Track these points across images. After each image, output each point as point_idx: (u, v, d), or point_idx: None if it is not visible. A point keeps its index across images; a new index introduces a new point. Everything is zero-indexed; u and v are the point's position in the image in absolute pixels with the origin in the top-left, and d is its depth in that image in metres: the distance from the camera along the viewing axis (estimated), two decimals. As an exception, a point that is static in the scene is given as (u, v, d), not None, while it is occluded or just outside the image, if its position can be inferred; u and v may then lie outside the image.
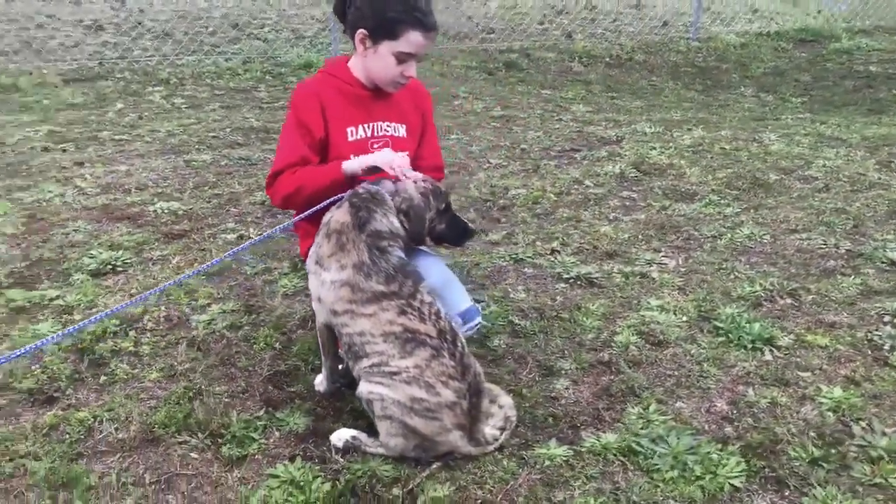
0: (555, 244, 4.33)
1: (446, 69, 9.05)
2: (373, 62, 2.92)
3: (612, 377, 3.10)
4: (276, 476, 2.53)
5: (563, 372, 3.14)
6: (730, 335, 3.36)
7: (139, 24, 10.61)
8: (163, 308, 3.55)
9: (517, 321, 3.50)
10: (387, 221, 2.68)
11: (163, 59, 8.78)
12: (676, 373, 3.13)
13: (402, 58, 2.87)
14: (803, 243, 4.32)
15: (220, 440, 2.71)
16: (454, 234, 2.94)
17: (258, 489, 2.48)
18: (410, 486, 2.50)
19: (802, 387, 3.03)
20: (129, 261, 3.99)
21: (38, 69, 8.14)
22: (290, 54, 8.97)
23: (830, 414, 2.85)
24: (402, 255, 2.67)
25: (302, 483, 2.49)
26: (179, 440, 2.71)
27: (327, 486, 2.48)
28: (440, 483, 2.50)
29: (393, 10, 2.82)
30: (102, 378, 3.05)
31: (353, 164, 2.84)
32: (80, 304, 3.56)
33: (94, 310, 3.50)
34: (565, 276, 3.93)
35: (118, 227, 4.42)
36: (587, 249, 4.27)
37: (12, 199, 4.78)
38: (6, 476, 2.51)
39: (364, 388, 2.57)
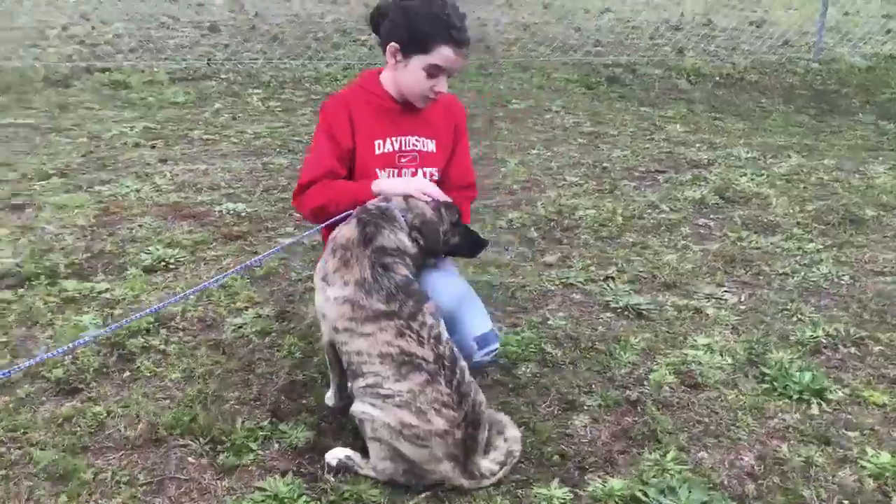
0: (611, 270, 4.14)
1: (545, 81, 8.91)
2: (403, 76, 2.86)
3: (636, 418, 2.92)
4: (263, 490, 2.50)
5: (585, 408, 2.98)
6: (775, 383, 3.11)
7: (253, 27, 10.97)
8: (200, 309, 3.59)
9: (549, 349, 3.35)
10: (394, 238, 2.62)
11: (267, 62, 9.02)
12: (707, 419, 2.92)
13: (432, 72, 2.80)
14: (886, 287, 3.98)
15: (219, 447, 2.71)
16: (467, 246, 2.86)
17: (241, 501, 2.44)
18: (395, 515, 2.40)
19: (846, 447, 2.76)
20: (182, 259, 4.08)
21: (151, 68, 8.51)
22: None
23: (870, 481, 2.59)
24: (408, 273, 2.59)
25: (286, 500, 2.44)
26: (181, 443, 2.72)
27: (311, 506, 2.42)
28: (425, 514, 2.40)
29: (426, 25, 2.76)
30: (126, 374, 3.11)
31: (385, 188, 2.78)
32: (124, 299, 3.65)
33: (135, 305, 3.58)
34: (613, 305, 3.75)
35: (181, 226, 4.54)
36: (645, 278, 4.07)
37: (92, 192, 4.99)
38: (10, 463, 2.58)
39: (357, 408, 2.51)
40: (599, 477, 2.61)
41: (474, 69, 9.13)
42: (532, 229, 4.67)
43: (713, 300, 3.85)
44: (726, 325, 3.60)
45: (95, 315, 3.50)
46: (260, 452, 2.69)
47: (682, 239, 4.60)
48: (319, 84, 8.42)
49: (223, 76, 8.51)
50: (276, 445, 2.73)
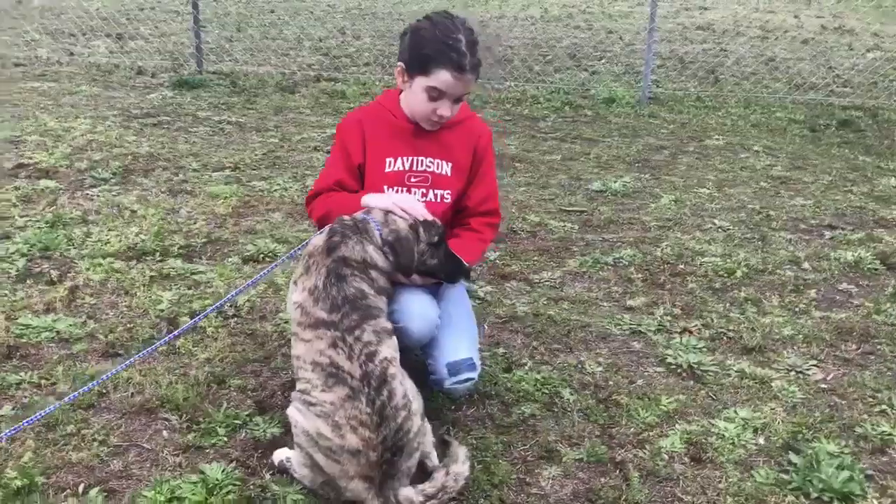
0: (695, 324, 3.80)
1: (763, 119, 8.26)
2: (408, 97, 2.89)
3: (610, 481, 2.68)
4: (202, 473, 2.63)
5: (563, 460, 2.79)
6: (796, 475, 2.70)
7: (489, 48, 11.30)
8: (263, 300, 3.83)
9: (564, 394, 3.17)
10: (360, 249, 2.63)
11: (486, 80, 9.26)
12: (688, 498, 2.60)
13: (433, 95, 2.80)
14: None
15: (193, 427, 2.89)
16: (446, 270, 2.78)
17: (175, 480, 2.59)
18: (297, 523, 2.43)
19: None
20: (279, 253, 4.36)
21: (372, 80, 9.10)
22: (599, 88, 8.88)
23: None
24: (366, 287, 2.59)
25: (213, 487, 2.55)
26: (164, 417, 2.95)
27: (230, 497, 2.51)
28: (324, 529, 2.39)
29: (429, 48, 2.77)
30: (165, 348, 3.39)
31: (370, 201, 2.81)
32: (206, 283, 3.99)
33: (210, 290, 3.90)
34: (671, 360, 3.45)
35: (300, 224, 4.84)
36: (727, 338, 3.69)
37: (246, 186, 5.48)
38: (24, 406, 2.95)
39: (289, 411, 2.57)
40: (526, 533, 2.43)
41: (692, 100, 8.69)
42: (636, 270, 4.39)
43: (792, 373, 3.39)
44: (787, 402, 3.17)
45: (173, 294, 3.85)
46: (224, 439, 2.83)
47: (806, 302, 4.08)
48: (520, 105, 8.49)
49: (432, 92, 8.86)
50: (243, 435, 2.86)
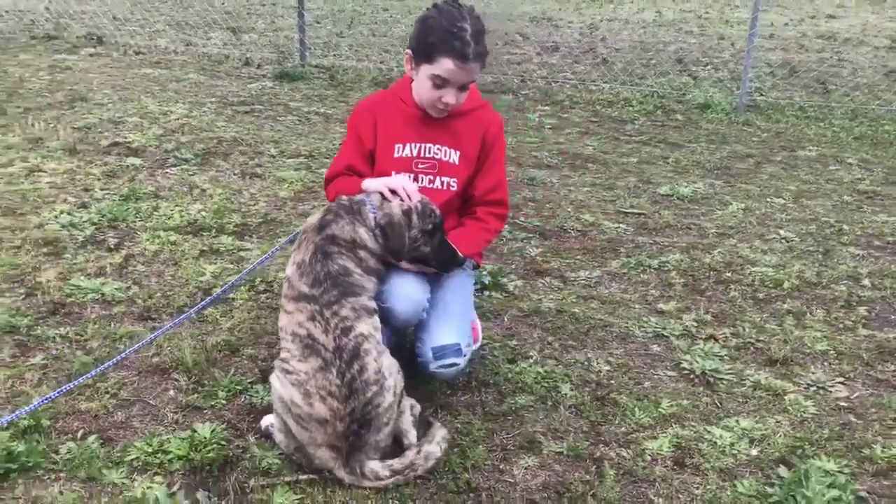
0: (723, 332, 3.70)
1: (870, 132, 7.82)
2: (416, 84, 2.95)
3: (584, 476, 2.67)
4: (194, 431, 2.79)
5: (543, 452, 2.79)
6: (780, 490, 2.60)
7: (591, 50, 11.20)
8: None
9: (563, 389, 3.16)
10: (350, 229, 2.72)
11: (579, 82, 9.20)
12: (661, 502, 2.56)
13: (437, 83, 2.86)
14: None
15: (199, 389, 3.06)
16: (439, 258, 2.83)
17: (167, 434, 2.77)
18: (266, 484, 2.55)
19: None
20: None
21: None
22: (696, 94, 8.65)
23: None
24: (351, 265, 2.68)
25: (198, 444, 2.71)
26: (175, 377, 3.13)
27: (210, 455, 2.66)
28: (287, 494, 2.50)
29: (434, 35, 2.83)
30: (194, 317, 3.59)
31: (369, 185, 2.90)
32: (250, 260, 4.18)
33: (250, 265, 4.09)
34: (686, 366, 3.38)
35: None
36: (755, 349, 3.57)
37: (313, 173, 5.68)
38: (53, 358, 3.20)
39: (271, 377, 2.68)
40: (483, 517, 2.46)
41: (794, 109, 8.34)
42: (679, 274, 4.29)
43: (811, 389, 3.26)
44: (796, 416, 3.05)
45: (216, 268, 4.06)
46: (223, 402, 2.99)
47: (854, 319, 3.89)
48: (611, 107, 8.38)
49: (523, 92, 8.88)
50: (241, 400, 3.00)
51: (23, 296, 3.68)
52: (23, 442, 2.63)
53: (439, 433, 2.74)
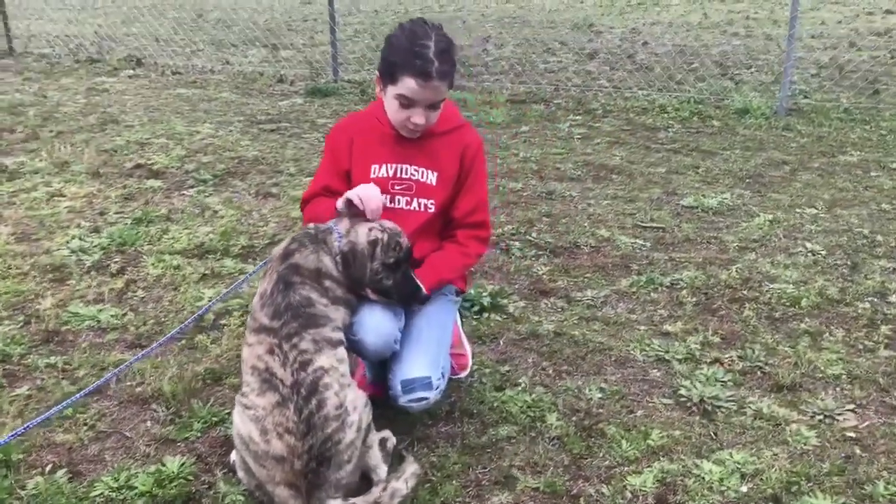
0: (729, 356, 3.52)
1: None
2: (386, 105, 2.88)
3: (557, 515, 2.54)
4: (163, 465, 2.75)
5: (518, 488, 2.68)
6: (766, 532, 2.42)
7: (630, 56, 10.98)
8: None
9: (548, 419, 3.03)
10: (314, 259, 2.66)
11: (615, 90, 9.02)
12: (631, 543, 2.42)
13: (403, 102, 2.78)
14: None
15: (176, 420, 3.03)
16: (400, 293, 2.74)
17: (136, 468, 2.73)
18: (225, 522, 2.49)
19: None
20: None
21: (500, 90, 9.11)
22: (735, 98, 8.38)
23: None
24: (314, 296, 2.61)
25: (164, 480, 2.67)
26: (153, 407, 3.10)
27: (173, 491, 2.62)
28: (246, 531, 2.44)
29: (396, 55, 2.76)
30: (183, 342, 3.57)
31: (340, 205, 2.83)
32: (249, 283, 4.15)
33: (252, 288, 4.06)
34: (683, 392, 3.22)
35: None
36: (763, 373, 3.38)
37: (328, 191, 5.63)
38: (38, 388, 3.20)
39: (233, 412, 2.62)
40: (444, 559, 2.35)
41: (839, 112, 8.00)
42: (691, 293, 4.11)
43: (817, 418, 3.06)
44: (795, 448, 2.86)
45: (217, 291, 4.05)
46: (197, 434, 2.95)
47: (875, 340, 3.66)
48: (644, 114, 8.18)
49: (556, 101, 8.73)
50: (216, 432, 2.95)
51: (21, 323, 3.71)
52: (-11, 477, 2.61)
53: (410, 468, 2.64)
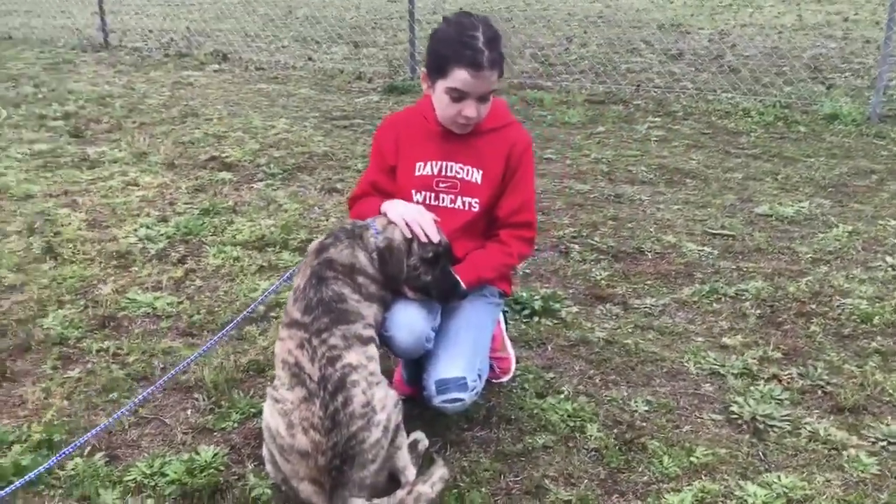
0: (789, 373, 3.34)
1: None
2: (435, 102, 2.83)
3: (585, 531, 2.45)
4: (196, 454, 2.78)
5: (547, 499, 2.60)
6: (807, 563, 2.28)
7: (717, 57, 10.65)
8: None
9: (589, 430, 2.93)
10: (349, 254, 2.64)
11: (698, 92, 8.76)
12: (660, 565, 2.31)
13: (454, 96, 2.73)
14: None
15: (215, 410, 3.06)
16: (439, 289, 2.69)
17: (170, 456, 2.77)
18: (249, 515, 2.49)
19: None
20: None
21: (579, 90, 8.97)
22: (824, 103, 8.02)
23: None
24: (347, 291, 2.58)
25: (194, 469, 2.69)
26: (196, 396, 3.14)
27: (202, 481, 2.64)
28: (268, 525, 2.44)
29: (445, 48, 2.71)
30: (235, 332, 3.60)
31: (388, 209, 2.79)
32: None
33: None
34: (735, 410, 3.07)
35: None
36: (824, 393, 3.20)
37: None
38: (88, 372, 3.29)
39: (264, 404, 2.62)
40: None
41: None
42: (756, 305, 3.93)
43: (880, 444, 2.88)
44: (851, 476, 2.69)
45: (271, 283, 4.08)
46: (234, 424, 2.97)
47: (956, 362, 3.42)
48: (727, 118, 7.90)
49: (635, 102, 8.53)
50: (252, 423, 2.96)
51: (81, 308, 3.82)
52: (30, 456, 2.68)
53: (438, 472, 2.59)
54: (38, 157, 6.14)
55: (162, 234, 4.70)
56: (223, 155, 6.33)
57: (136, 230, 4.75)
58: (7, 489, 2.41)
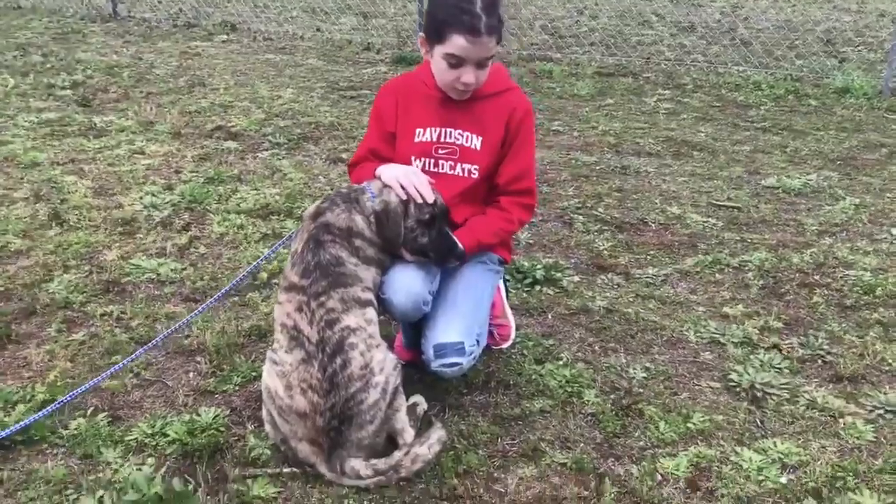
0: (790, 342, 3.35)
1: None
2: (433, 67, 2.82)
3: (582, 492, 2.48)
4: (198, 416, 2.81)
5: (545, 461, 2.62)
6: (799, 526, 2.30)
7: (730, 30, 10.55)
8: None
9: (586, 396, 2.95)
10: (346, 217, 2.64)
11: (709, 65, 8.68)
12: (654, 527, 2.33)
13: (452, 62, 2.71)
14: None
15: (217, 373, 3.09)
16: (437, 250, 2.70)
17: (172, 417, 2.80)
18: (248, 475, 2.53)
19: None
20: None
21: (588, 62, 8.92)
22: (836, 77, 7.94)
23: None
24: (344, 255, 2.59)
25: (195, 429, 2.72)
26: (198, 359, 3.17)
27: (202, 441, 2.67)
28: (267, 486, 2.47)
29: (442, 13, 2.69)
30: (236, 298, 3.63)
31: (382, 174, 2.80)
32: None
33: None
34: (734, 379, 3.08)
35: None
36: (823, 362, 3.21)
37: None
38: (92, 335, 3.32)
39: (263, 366, 2.65)
40: (457, 527, 2.32)
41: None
42: (759, 276, 3.92)
43: (877, 412, 2.88)
44: (847, 442, 2.70)
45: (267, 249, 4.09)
46: (234, 388, 3.00)
47: (958, 333, 3.42)
48: (737, 91, 7.83)
49: (645, 75, 8.47)
50: (253, 386, 2.99)
51: (86, 273, 3.84)
52: (34, 416, 2.71)
53: (435, 435, 2.61)
54: (46, 126, 6.15)
55: (167, 202, 4.71)
56: (229, 124, 6.33)
57: (141, 198, 4.77)
58: (6, 431, 2.46)
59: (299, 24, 10.99)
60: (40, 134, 5.97)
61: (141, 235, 4.28)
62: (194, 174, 5.21)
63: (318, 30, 10.66)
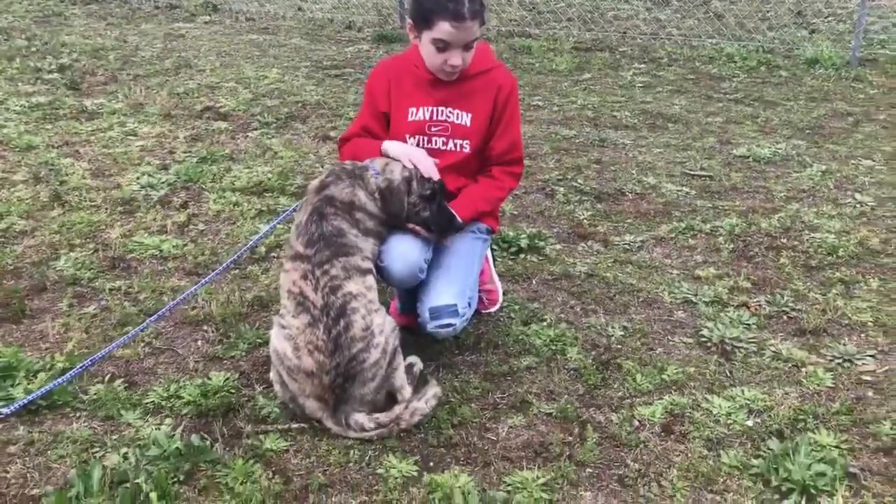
0: (758, 300, 3.59)
1: None
2: (422, 51, 3.01)
3: (566, 438, 2.71)
4: (208, 380, 3.02)
5: (532, 412, 2.85)
6: (764, 462, 2.55)
7: (705, 2, 10.74)
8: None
9: (569, 353, 3.18)
10: (349, 192, 2.84)
11: (683, 38, 8.89)
12: (636, 467, 2.58)
13: (438, 46, 2.91)
14: None
15: (224, 340, 3.29)
16: (437, 223, 2.91)
17: (184, 381, 3.01)
18: (260, 430, 2.74)
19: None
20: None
21: (566, 37, 9.09)
22: (805, 48, 8.18)
23: None
24: (345, 226, 2.80)
25: (208, 392, 2.93)
26: (205, 329, 3.38)
27: (215, 402, 2.88)
28: (278, 440, 2.69)
29: (428, 1, 2.87)
30: (238, 271, 3.83)
31: (390, 149, 3.00)
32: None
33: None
34: (705, 334, 3.32)
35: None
36: (788, 318, 3.46)
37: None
38: (103, 308, 3.51)
39: (271, 331, 2.85)
40: (459, 468, 2.56)
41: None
42: (729, 240, 4.17)
43: (836, 361, 3.13)
44: (808, 389, 2.95)
45: (265, 224, 4.29)
46: (241, 353, 3.20)
47: (918, 289, 3.68)
48: (711, 64, 8.05)
49: (621, 49, 8.67)
50: (259, 352, 3.20)
51: (91, 251, 4.02)
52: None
53: (431, 391, 2.84)
54: (38, 110, 6.27)
55: (163, 182, 4.88)
56: (218, 105, 6.48)
57: (138, 178, 4.93)
58: (20, 401, 2.67)
59: (280, 3, 11.07)
60: (33, 118, 6.09)
61: (141, 214, 4.45)
62: (188, 154, 5.37)
63: (299, 9, 10.75)
